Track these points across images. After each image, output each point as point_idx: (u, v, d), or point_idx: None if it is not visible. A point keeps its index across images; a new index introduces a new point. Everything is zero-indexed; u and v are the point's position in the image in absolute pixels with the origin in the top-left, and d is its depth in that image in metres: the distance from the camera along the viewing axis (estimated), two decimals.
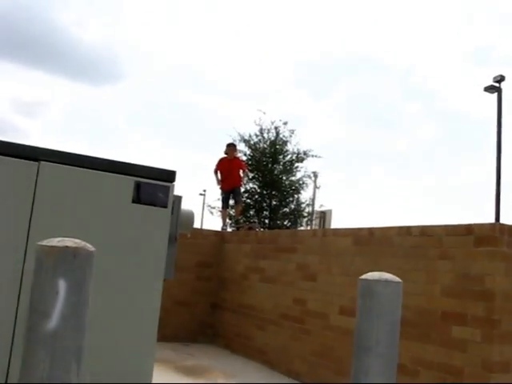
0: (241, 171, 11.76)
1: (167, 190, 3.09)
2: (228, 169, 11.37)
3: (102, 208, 2.95)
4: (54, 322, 1.61)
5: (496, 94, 21.28)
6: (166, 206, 3.08)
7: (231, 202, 12.56)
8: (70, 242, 1.66)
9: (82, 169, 2.92)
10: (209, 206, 21.26)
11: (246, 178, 15.45)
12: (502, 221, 17.41)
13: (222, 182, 11.48)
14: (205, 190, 51.07)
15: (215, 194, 19.41)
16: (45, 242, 1.66)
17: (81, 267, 1.65)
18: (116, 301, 2.89)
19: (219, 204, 14.36)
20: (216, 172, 11.49)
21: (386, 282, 2.31)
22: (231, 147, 11.81)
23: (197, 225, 26.07)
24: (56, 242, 1.65)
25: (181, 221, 3.27)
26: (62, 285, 1.61)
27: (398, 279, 2.35)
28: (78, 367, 1.70)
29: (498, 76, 21.20)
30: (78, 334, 1.67)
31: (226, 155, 11.54)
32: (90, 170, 2.94)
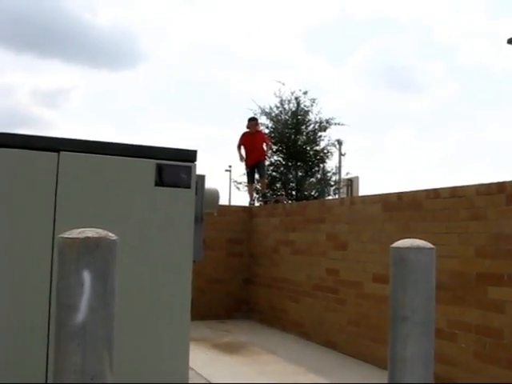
0: (264, 144, 11.68)
1: (189, 171, 3.06)
2: (251, 143, 11.30)
3: (125, 193, 2.93)
4: (82, 314, 1.59)
5: None
6: (189, 187, 3.05)
7: (256, 176, 12.50)
8: (91, 232, 1.63)
9: (102, 156, 2.91)
10: (235, 181, 21.22)
11: (270, 151, 15.36)
12: None
13: (246, 157, 11.43)
14: (230, 166, 50.90)
15: (241, 170, 19.32)
16: (66, 234, 1.64)
17: (104, 257, 1.63)
18: (146, 286, 2.89)
19: (245, 179, 14.33)
20: (239, 147, 11.43)
21: (419, 248, 2.25)
22: (252, 121, 11.72)
23: (224, 201, 26.13)
24: (77, 233, 1.62)
25: (206, 200, 3.24)
26: (86, 276, 1.59)
27: (430, 245, 2.29)
28: (109, 356, 1.69)
29: None
30: (107, 324, 1.65)
31: (248, 130, 11.47)
32: (110, 156, 2.93)
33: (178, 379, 2.92)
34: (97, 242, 1.62)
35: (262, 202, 13.47)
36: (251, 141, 11.29)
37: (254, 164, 11.53)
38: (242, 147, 11.42)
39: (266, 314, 8.48)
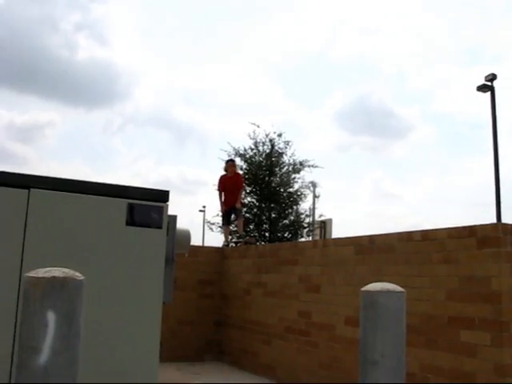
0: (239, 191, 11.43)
1: (161, 211, 3.03)
2: (229, 187, 11.16)
3: (96, 232, 2.89)
4: (44, 356, 1.54)
5: (489, 92, 21.26)
6: (160, 227, 3.02)
7: (232, 217, 12.38)
8: (57, 271, 1.59)
9: (73, 194, 2.87)
10: (208, 222, 21.12)
11: (243, 194, 15.25)
12: (503, 221, 17.29)
13: (224, 200, 11.24)
14: (204, 207, 50.99)
15: (214, 210, 19.26)
16: (32, 274, 1.60)
17: (70, 298, 1.59)
18: (114, 327, 2.82)
19: (218, 220, 14.20)
20: (220, 191, 11.23)
21: (389, 292, 2.25)
22: (230, 162, 11.57)
23: (197, 242, 25.90)
24: (43, 272, 1.58)
25: (177, 241, 3.21)
26: (50, 317, 1.55)
27: (400, 289, 2.29)
28: None
29: (489, 75, 21.18)
30: (70, 367, 1.60)
31: (225, 172, 11.34)
32: (82, 195, 2.89)
33: None
34: (63, 281, 1.58)
35: (233, 244, 13.36)
36: (229, 184, 11.16)
37: (231, 207, 11.37)
38: (221, 190, 11.23)
39: (236, 357, 8.36)
